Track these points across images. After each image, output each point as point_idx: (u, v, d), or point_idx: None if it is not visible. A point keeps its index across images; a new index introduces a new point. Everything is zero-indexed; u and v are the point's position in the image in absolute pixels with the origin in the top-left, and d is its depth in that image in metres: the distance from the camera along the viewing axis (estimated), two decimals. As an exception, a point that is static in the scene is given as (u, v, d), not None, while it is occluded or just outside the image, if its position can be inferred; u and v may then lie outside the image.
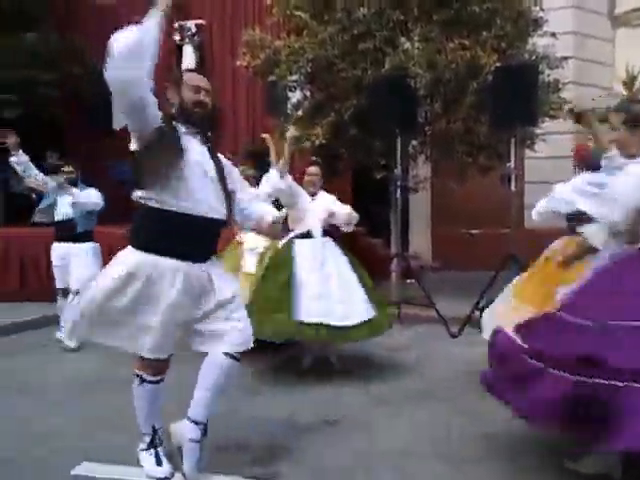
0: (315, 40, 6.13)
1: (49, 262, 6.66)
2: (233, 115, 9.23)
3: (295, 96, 7.00)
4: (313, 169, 4.21)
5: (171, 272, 2.29)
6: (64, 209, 4.98)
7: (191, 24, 9.07)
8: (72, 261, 4.96)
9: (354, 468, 2.63)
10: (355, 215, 4.20)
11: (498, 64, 5.55)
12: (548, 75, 6.24)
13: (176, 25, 9.08)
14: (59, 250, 5.03)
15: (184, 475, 2.43)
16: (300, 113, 6.73)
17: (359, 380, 3.93)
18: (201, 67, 9.03)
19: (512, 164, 5.34)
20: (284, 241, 4.14)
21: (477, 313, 5.27)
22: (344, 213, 4.19)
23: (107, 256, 6.18)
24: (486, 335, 3.48)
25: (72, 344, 4.80)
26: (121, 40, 2.04)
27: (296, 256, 4.00)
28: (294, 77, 6.61)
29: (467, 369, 4.13)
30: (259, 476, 2.53)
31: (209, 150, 2.47)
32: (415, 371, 4.17)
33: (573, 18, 9.04)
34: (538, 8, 6.39)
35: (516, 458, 2.70)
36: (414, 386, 3.81)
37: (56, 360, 4.60)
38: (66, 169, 5.03)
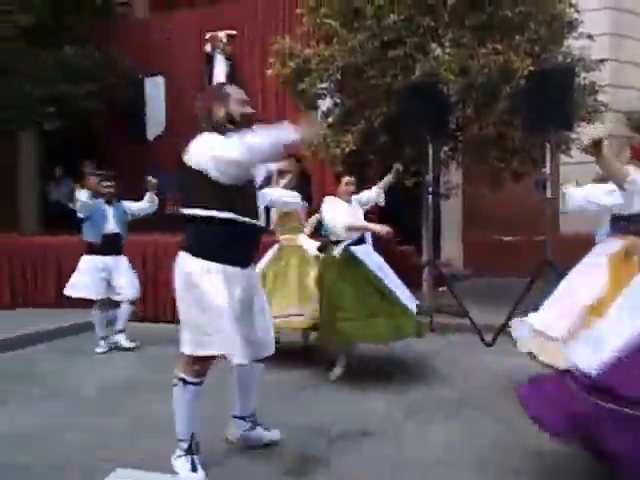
0: (345, 48, 6.14)
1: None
2: (263, 124, 9.32)
3: (325, 104, 7.02)
4: (350, 179, 4.33)
5: (234, 278, 2.45)
6: (111, 223, 5.16)
7: (222, 34, 9.19)
8: (116, 273, 5.16)
9: (389, 476, 2.59)
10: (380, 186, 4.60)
11: (532, 68, 5.45)
12: (584, 78, 6.10)
13: (207, 35, 9.24)
14: (98, 263, 5.11)
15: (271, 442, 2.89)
16: (330, 120, 6.74)
17: (392, 388, 3.88)
18: (232, 77, 9.14)
19: (547, 169, 5.23)
20: (340, 249, 4.19)
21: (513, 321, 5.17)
22: (373, 190, 4.55)
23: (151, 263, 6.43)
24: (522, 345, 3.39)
25: (130, 344, 5.21)
26: (247, 149, 2.24)
27: (364, 261, 4.19)
28: (324, 85, 6.63)
29: (501, 378, 4.05)
30: (293, 485, 2.52)
31: None
32: (448, 380, 4.10)
33: (609, 19, 8.83)
34: (573, 10, 6.25)
35: (547, 469, 2.63)
36: (447, 394, 3.75)
37: (91, 365, 4.69)
38: (105, 184, 5.21)
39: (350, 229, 4.09)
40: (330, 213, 4.14)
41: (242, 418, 2.87)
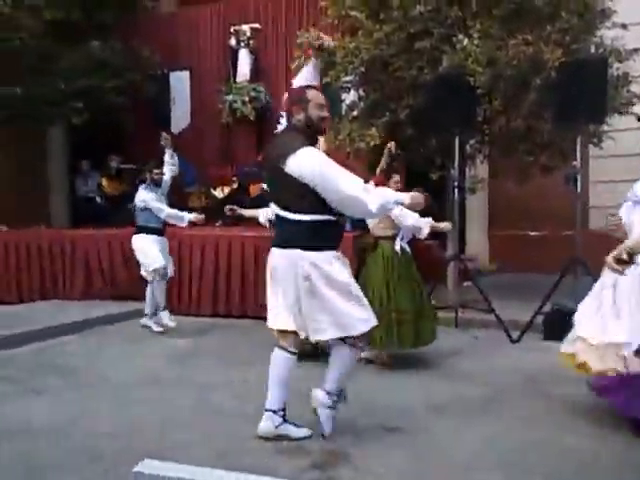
0: (370, 40, 6.07)
1: (112, 262, 6.97)
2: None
3: (349, 97, 6.96)
4: (398, 177, 4.47)
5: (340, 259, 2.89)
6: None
7: (246, 28, 9.19)
8: (163, 252, 5.60)
9: (413, 474, 2.57)
10: None
11: (563, 59, 5.31)
12: (617, 69, 5.93)
13: (232, 29, 9.24)
14: (158, 243, 5.56)
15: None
16: (355, 113, 6.69)
17: (417, 385, 3.85)
18: (256, 71, 9.14)
19: (578, 163, 5.10)
20: (398, 244, 4.28)
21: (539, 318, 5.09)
22: None
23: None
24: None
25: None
26: (381, 207, 2.71)
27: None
28: (349, 78, 6.58)
29: (526, 376, 3.99)
30: (318, 480, 2.51)
31: None
32: (474, 376, 4.04)
33: (643, 8, 8.53)
34: (606, -2, 6.07)
35: (578, 470, 2.56)
36: (473, 392, 3.70)
37: (119, 357, 4.76)
38: (156, 171, 5.54)
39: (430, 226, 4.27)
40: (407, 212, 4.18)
41: (274, 412, 2.92)
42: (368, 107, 6.56)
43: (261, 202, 5.40)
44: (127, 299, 6.61)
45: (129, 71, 8.47)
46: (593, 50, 5.94)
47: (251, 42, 9.18)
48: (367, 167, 6.95)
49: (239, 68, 9.17)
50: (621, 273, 2.32)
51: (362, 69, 6.42)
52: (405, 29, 5.97)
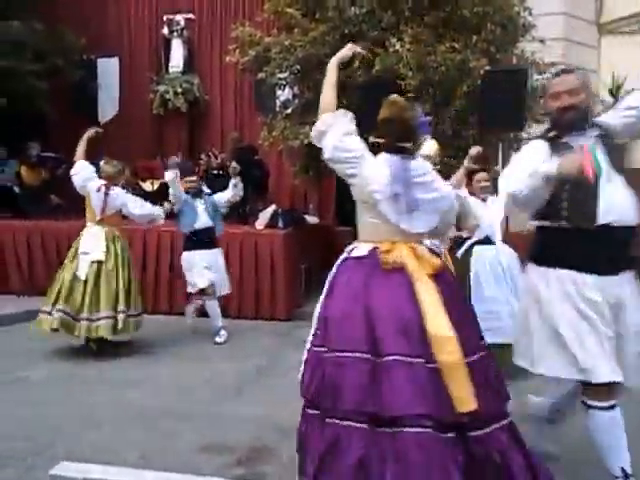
0: (306, 38, 6.10)
1: (31, 256, 6.59)
2: (220, 110, 9.18)
3: (284, 94, 6.96)
4: (484, 175, 4.11)
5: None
6: (204, 217, 5.11)
7: (180, 18, 8.97)
8: (214, 267, 5.10)
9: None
10: None
11: (487, 67, 5.58)
12: (536, 80, 6.29)
13: (165, 18, 8.99)
14: (195, 256, 5.05)
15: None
16: (289, 111, 6.70)
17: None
18: (190, 62, 8.94)
19: (500, 168, 5.38)
20: (463, 250, 3.93)
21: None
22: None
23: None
24: None
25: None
26: None
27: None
28: (284, 75, 6.58)
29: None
30: (243, 477, 2.51)
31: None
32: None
33: (562, 24, 9.12)
34: (527, 13, 6.43)
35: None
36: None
37: (40, 355, 4.53)
38: (188, 179, 5.21)
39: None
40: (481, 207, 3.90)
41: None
42: (302, 105, 6.59)
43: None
44: (45, 295, 6.30)
45: (52, 55, 8.01)
46: (515, 61, 6.28)
47: (185, 32, 8.97)
48: (299, 167, 7.02)
49: (172, 58, 8.93)
50: None
51: (297, 67, 6.43)
52: (340, 30, 6.04)
